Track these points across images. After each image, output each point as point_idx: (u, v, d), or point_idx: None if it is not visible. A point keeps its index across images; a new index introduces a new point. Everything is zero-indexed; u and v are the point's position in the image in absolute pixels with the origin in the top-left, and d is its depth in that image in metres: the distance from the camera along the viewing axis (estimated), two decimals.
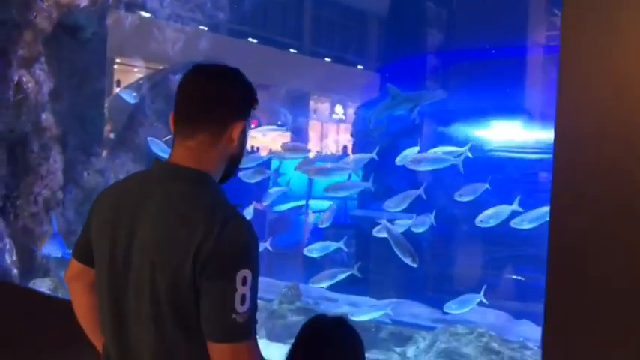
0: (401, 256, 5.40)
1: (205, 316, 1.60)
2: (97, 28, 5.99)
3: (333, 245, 6.12)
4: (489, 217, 5.56)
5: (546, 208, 5.35)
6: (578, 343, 1.82)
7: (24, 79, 5.20)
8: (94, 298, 1.86)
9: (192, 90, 1.75)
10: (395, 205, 5.91)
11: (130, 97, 6.90)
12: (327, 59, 16.55)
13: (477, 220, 5.61)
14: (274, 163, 7.78)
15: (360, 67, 16.09)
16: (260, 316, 6.13)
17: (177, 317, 1.63)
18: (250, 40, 13.81)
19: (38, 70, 5.35)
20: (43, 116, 5.49)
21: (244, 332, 1.60)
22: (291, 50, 16.03)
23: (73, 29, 5.78)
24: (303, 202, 9.04)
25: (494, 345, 5.04)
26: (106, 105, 7.41)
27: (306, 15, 16.34)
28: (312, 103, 17.15)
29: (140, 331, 1.69)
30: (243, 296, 1.58)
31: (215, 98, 1.74)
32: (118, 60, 10.59)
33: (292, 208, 8.70)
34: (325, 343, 1.96)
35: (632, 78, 1.71)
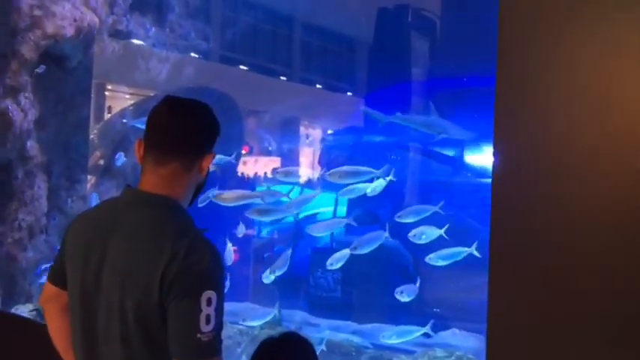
0: None
1: (172, 336, 1.67)
2: (82, 57, 6.10)
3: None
4: (409, 213, 5.84)
5: (460, 248, 5.69)
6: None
7: (9, 108, 5.30)
8: (68, 321, 1.92)
9: (167, 121, 1.84)
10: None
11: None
12: (317, 86, 16.75)
13: (396, 216, 5.85)
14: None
15: (349, 93, 16.30)
16: (243, 340, 6.16)
17: (145, 336, 1.71)
18: (241, 67, 13.98)
19: (24, 99, 5.45)
20: (28, 144, 5.58)
21: (209, 351, 1.67)
22: (282, 77, 16.22)
23: (59, 58, 5.89)
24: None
25: None
26: (96, 131, 7.51)
27: (296, 42, 16.57)
28: (302, 129, 17.29)
29: (109, 350, 1.76)
30: (208, 317, 1.65)
31: (190, 130, 1.84)
32: (109, 87, 10.69)
33: None
34: None
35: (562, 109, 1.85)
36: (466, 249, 5.64)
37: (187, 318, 1.65)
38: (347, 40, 16.59)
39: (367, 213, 7.48)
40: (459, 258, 5.67)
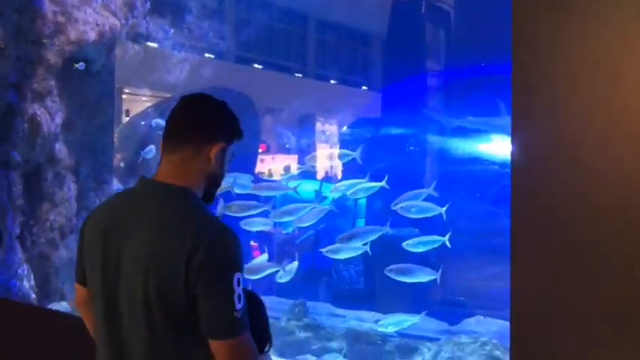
0: None
1: (209, 317, 1.78)
2: (105, 60, 6.25)
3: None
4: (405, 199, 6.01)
5: (435, 237, 5.79)
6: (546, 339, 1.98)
7: (37, 112, 5.46)
8: None
9: (179, 113, 1.96)
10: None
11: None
12: (332, 81, 16.79)
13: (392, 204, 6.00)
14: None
15: (364, 87, 16.32)
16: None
17: (169, 321, 1.80)
18: (256, 65, 14.07)
19: (50, 102, 5.61)
20: (57, 146, 5.74)
21: (244, 326, 1.80)
22: (297, 74, 16.29)
23: (83, 62, 6.04)
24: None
25: (498, 353, 5.15)
26: (116, 135, 7.65)
27: (310, 39, 16.63)
28: (318, 125, 17.35)
29: (133, 335, 1.85)
30: (240, 296, 1.78)
31: (198, 119, 1.95)
32: (126, 90, 10.84)
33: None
34: None
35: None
36: (440, 238, 5.90)
37: (223, 299, 1.77)
38: (361, 35, 16.63)
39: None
40: (435, 246, 5.94)
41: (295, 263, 6.31)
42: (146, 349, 1.84)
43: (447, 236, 5.84)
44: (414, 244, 5.97)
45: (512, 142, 1.96)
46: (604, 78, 1.85)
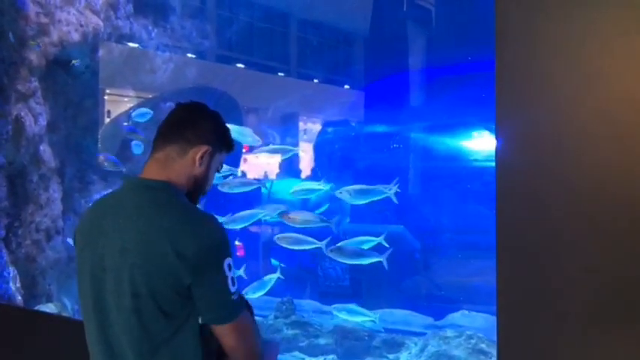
0: None
1: (207, 304, 1.86)
2: (89, 61, 6.23)
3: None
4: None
5: (369, 238, 5.87)
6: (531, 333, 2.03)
7: (22, 114, 5.43)
8: None
9: (171, 116, 2.05)
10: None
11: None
12: (315, 80, 16.82)
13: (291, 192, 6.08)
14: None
15: (346, 86, 16.38)
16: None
17: (158, 309, 1.85)
18: (238, 65, 14.06)
19: (34, 104, 5.58)
20: (41, 148, 5.71)
21: (240, 307, 1.91)
22: (279, 73, 16.30)
23: (67, 63, 6.02)
24: None
25: (483, 346, 5.22)
26: (99, 135, 7.62)
27: (292, 38, 16.65)
28: (301, 125, 17.38)
29: (123, 327, 1.88)
30: (233, 279, 1.87)
31: (187, 120, 2.02)
32: (108, 91, 10.78)
33: None
34: None
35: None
36: (375, 239, 5.93)
37: (218, 286, 1.85)
38: (343, 34, 16.68)
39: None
40: (370, 245, 5.96)
41: (274, 276, 6.26)
42: (137, 341, 1.88)
43: (382, 237, 5.92)
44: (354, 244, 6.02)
45: (497, 137, 2.02)
46: (585, 73, 1.92)
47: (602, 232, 1.90)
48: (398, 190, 5.88)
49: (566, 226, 1.95)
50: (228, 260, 1.87)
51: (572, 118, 1.96)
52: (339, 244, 5.89)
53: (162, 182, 1.94)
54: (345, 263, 6.07)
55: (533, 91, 1.98)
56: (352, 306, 5.83)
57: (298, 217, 5.95)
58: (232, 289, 1.86)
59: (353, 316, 5.76)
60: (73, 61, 5.52)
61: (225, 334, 1.89)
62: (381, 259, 5.79)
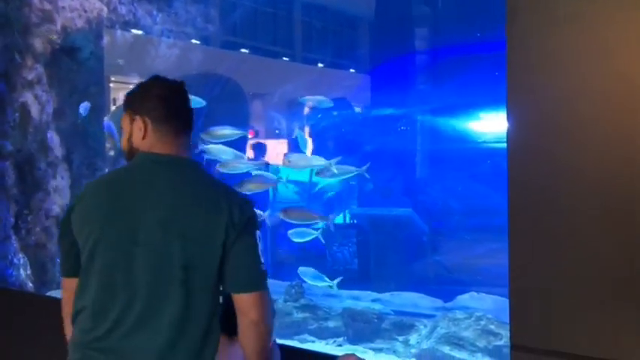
0: None
1: (241, 270, 1.96)
2: (94, 47, 6.22)
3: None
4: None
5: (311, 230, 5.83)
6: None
7: (28, 101, 5.43)
8: None
9: (177, 99, 2.13)
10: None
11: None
12: (319, 65, 16.78)
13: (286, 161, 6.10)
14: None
15: (352, 70, 16.33)
16: None
17: (204, 281, 1.95)
18: (243, 50, 14.02)
19: (40, 91, 5.59)
20: (49, 135, 5.73)
21: (267, 277, 2.01)
22: (284, 58, 16.25)
23: (71, 50, 6.01)
24: None
25: (492, 327, 5.22)
26: (105, 123, 7.61)
27: (297, 23, 16.58)
28: (306, 110, 17.34)
29: (164, 299, 1.93)
30: (262, 250, 2.00)
31: (190, 112, 2.17)
32: (113, 78, 10.78)
33: None
34: None
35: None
36: (314, 232, 6.06)
37: (254, 251, 1.98)
38: (347, 17, 16.58)
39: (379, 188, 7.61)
40: (310, 238, 6.11)
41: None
42: (178, 311, 1.94)
43: (319, 231, 6.06)
44: (296, 234, 6.17)
45: (508, 118, 1.99)
46: (604, 51, 1.88)
47: (617, 212, 1.87)
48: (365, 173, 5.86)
49: (579, 206, 1.92)
50: (259, 232, 2.02)
51: (588, 98, 1.91)
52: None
53: (193, 160, 2.11)
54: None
55: (547, 70, 1.94)
56: (314, 270, 6.04)
57: (296, 213, 6.04)
58: (263, 259, 1.99)
59: (314, 281, 5.99)
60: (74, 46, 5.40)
61: (253, 302, 1.95)
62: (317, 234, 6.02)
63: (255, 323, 1.96)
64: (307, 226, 6.12)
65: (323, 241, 6.17)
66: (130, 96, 2.15)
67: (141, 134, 2.08)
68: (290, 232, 6.23)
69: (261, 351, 2.02)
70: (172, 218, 1.94)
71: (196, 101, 6.08)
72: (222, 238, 1.93)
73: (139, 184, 2.00)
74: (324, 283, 5.97)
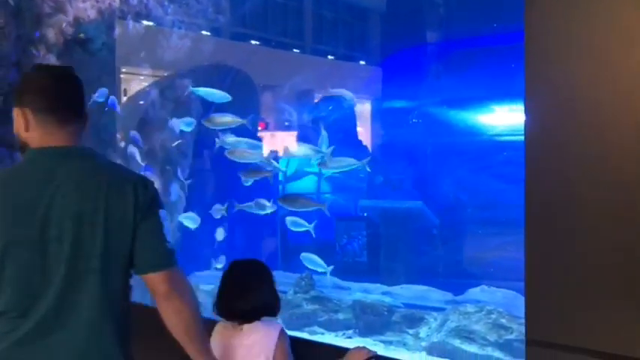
0: None
1: (147, 250, 1.99)
2: (106, 38, 6.22)
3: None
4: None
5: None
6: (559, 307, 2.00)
7: None
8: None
9: (61, 87, 2.09)
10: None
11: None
12: (330, 57, 16.71)
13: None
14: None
15: (362, 62, 16.26)
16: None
17: (120, 264, 1.99)
18: (253, 42, 13.99)
19: None
20: None
21: (175, 254, 2.03)
22: (294, 50, 16.21)
23: (83, 41, 6.01)
24: None
25: (503, 321, 5.21)
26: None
27: (307, 14, 16.52)
28: (317, 102, 17.31)
29: (79, 286, 1.93)
30: (166, 228, 2.02)
31: (79, 98, 2.14)
32: (123, 69, 10.77)
33: None
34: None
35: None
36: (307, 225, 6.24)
37: (159, 233, 2.00)
38: (358, 9, 16.52)
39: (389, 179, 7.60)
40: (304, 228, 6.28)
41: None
42: (98, 300, 1.96)
43: (312, 224, 6.23)
44: (291, 223, 6.38)
45: (526, 110, 1.96)
46: (619, 41, 1.84)
47: (637, 210, 1.83)
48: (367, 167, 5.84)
49: (597, 199, 1.89)
50: (162, 211, 2.04)
51: (611, 87, 1.86)
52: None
53: (89, 149, 2.10)
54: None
55: (567, 57, 1.90)
56: (314, 256, 6.20)
57: (294, 200, 6.11)
58: (168, 237, 2.00)
59: (312, 265, 6.13)
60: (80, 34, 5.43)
61: (160, 280, 1.98)
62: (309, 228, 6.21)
63: (170, 299, 1.98)
64: (308, 220, 6.25)
65: (314, 235, 6.29)
66: (15, 88, 2.16)
67: (23, 127, 2.05)
68: (287, 219, 6.38)
69: (186, 331, 2.01)
70: (81, 209, 1.93)
71: (222, 96, 6.14)
72: (132, 221, 1.96)
73: (36, 181, 1.96)
74: (320, 269, 6.11)
